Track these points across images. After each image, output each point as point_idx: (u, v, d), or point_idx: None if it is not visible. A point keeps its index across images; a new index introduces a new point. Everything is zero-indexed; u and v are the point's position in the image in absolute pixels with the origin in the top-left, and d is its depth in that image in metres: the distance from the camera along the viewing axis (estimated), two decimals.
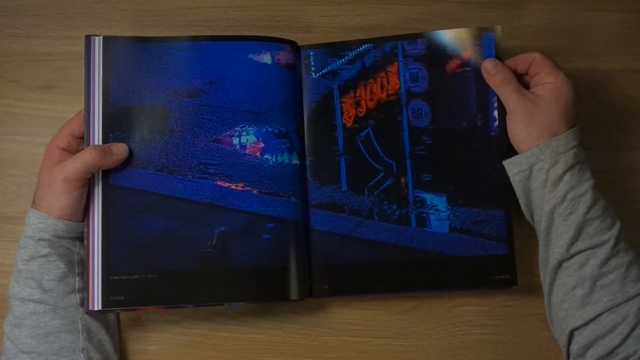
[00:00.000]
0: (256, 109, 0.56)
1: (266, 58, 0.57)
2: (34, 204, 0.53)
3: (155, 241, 0.53)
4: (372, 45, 0.58)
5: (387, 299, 0.59)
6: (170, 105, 0.56)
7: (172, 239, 0.54)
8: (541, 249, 0.55)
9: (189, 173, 0.55)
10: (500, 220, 0.56)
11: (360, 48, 0.58)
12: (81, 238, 0.54)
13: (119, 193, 0.54)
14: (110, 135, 0.54)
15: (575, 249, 0.51)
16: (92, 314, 0.53)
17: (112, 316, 0.56)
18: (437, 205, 0.57)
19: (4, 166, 0.61)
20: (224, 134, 0.56)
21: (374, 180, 0.57)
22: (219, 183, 0.55)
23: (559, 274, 0.53)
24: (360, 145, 0.58)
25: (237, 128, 0.56)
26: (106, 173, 0.54)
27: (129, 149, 0.54)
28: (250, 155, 0.56)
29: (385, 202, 0.57)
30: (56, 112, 0.61)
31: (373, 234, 0.56)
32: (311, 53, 0.58)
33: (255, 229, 0.55)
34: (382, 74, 0.58)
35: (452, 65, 0.57)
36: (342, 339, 0.59)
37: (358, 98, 0.58)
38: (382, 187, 0.57)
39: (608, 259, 0.50)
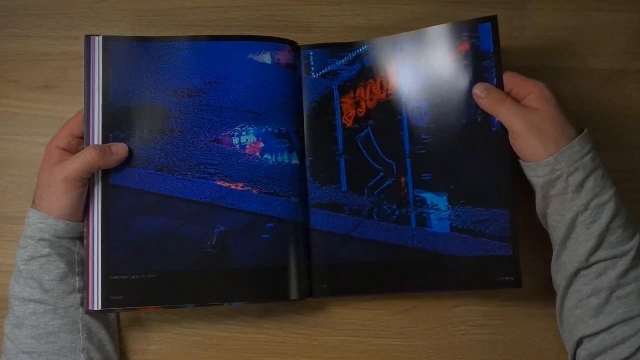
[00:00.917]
0: (256, 109, 0.56)
1: (266, 58, 0.57)
2: (34, 204, 0.53)
3: (155, 241, 0.53)
4: (371, 46, 0.58)
5: (387, 299, 0.59)
6: (170, 105, 0.56)
7: (172, 239, 0.54)
8: (556, 252, 0.53)
9: (189, 173, 0.55)
10: (504, 220, 0.54)
11: (360, 49, 0.58)
12: (81, 238, 0.54)
13: (119, 193, 0.54)
14: (110, 135, 0.54)
15: (595, 258, 0.50)
16: (92, 314, 0.53)
17: (112, 316, 0.57)
18: (437, 205, 0.56)
19: (4, 166, 0.61)
20: (224, 134, 0.56)
21: (374, 180, 0.57)
22: (219, 183, 0.55)
23: (575, 281, 0.51)
24: (360, 146, 0.57)
25: (237, 128, 0.56)
26: (106, 173, 0.54)
27: (129, 149, 0.54)
28: (250, 155, 0.56)
29: (385, 202, 0.57)
30: (56, 112, 0.61)
31: (373, 234, 0.56)
32: (311, 53, 0.58)
33: (255, 229, 0.55)
34: (382, 74, 0.58)
35: (449, 59, 0.57)
36: (342, 339, 0.59)
37: (358, 98, 0.58)
38: (382, 187, 0.57)
39: (627, 270, 0.49)
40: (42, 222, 0.51)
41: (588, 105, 0.62)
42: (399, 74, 0.58)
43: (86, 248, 0.53)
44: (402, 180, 0.57)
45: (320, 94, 0.58)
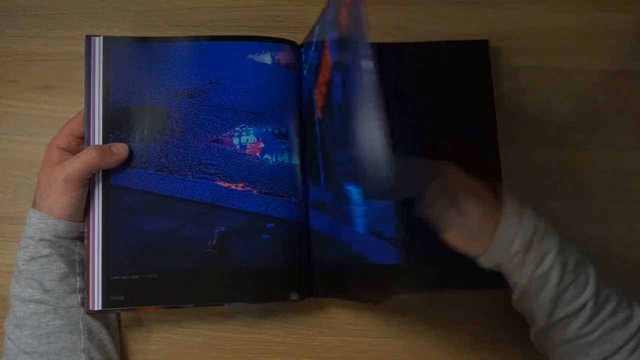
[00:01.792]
0: (256, 109, 0.56)
1: (266, 58, 0.57)
2: (34, 204, 0.53)
3: (155, 241, 0.53)
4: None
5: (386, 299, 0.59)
6: (171, 105, 0.55)
7: (172, 239, 0.54)
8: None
9: (189, 173, 0.55)
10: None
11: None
12: (82, 238, 0.54)
13: (119, 193, 0.54)
14: (111, 135, 0.54)
15: (554, 318, 0.49)
16: (92, 314, 0.54)
17: (112, 316, 0.57)
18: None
19: (4, 166, 0.61)
20: (224, 134, 0.56)
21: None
22: (219, 183, 0.55)
23: (544, 332, 0.51)
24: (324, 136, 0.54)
25: (237, 128, 0.56)
26: (106, 173, 0.54)
27: (129, 148, 0.54)
28: (250, 155, 0.56)
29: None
30: (56, 112, 0.61)
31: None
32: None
33: (255, 229, 0.55)
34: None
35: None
36: (342, 339, 0.59)
37: (320, 85, 0.53)
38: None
39: (590, 318, 0.48)
40: (42, 222, 0.51)
41: (587, 106, 0.62)
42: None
43: (86, 248, 0.53)
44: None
45: (308, 89, 0.57)
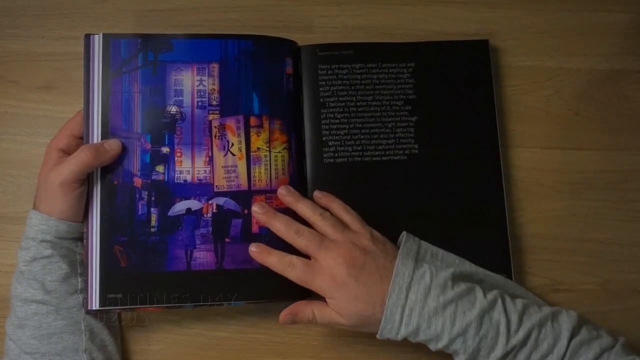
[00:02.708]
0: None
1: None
2: (35, 205, 0.53)
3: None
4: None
5: None
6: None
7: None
8: None
9: None
10: None
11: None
12: (83, 238, 0.54)
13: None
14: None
15: None
16: (91, 313, 0.53)
17: (114, 316, 0.56)
18: None
19: (4, 166, 0.61)
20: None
21: None
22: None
23: None
24: None
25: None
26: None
27: (122, 143, 0.54)
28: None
29: None
30: (56, 112, 0.61)
31: None
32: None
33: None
34: None
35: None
36: (342, 339, 0.59)
37: None
38: None
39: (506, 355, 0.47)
40: (43, 224, 0.51)
41: (588, 105, 0.62)
42: None
43: (85, 247, 0.53)
44: None
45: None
